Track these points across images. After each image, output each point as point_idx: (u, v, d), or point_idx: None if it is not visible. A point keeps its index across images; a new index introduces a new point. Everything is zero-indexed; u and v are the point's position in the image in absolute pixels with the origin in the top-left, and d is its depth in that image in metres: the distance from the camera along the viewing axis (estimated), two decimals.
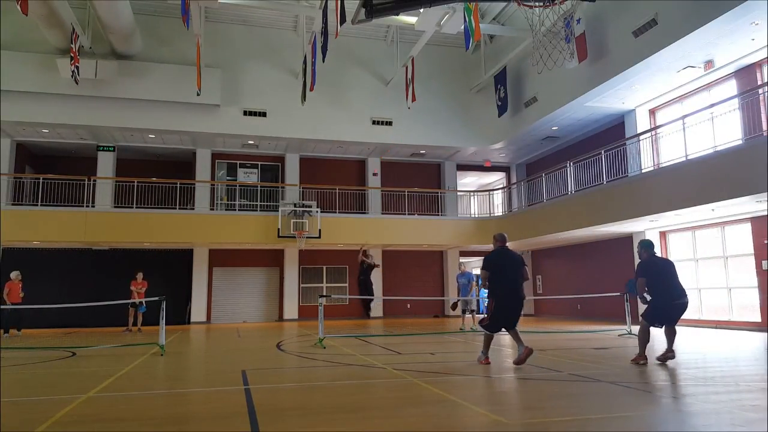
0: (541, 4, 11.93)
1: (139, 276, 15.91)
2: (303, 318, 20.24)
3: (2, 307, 12.99)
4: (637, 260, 15.80)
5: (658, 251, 15.87)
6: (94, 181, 18.21)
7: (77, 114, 17.13)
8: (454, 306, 14.93)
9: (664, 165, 14.52)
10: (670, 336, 7.50)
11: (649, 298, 7.49)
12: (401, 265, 21.41)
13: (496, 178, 24.95)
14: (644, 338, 7.43)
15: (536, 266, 22.12)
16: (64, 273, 18.37)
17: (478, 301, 15.09)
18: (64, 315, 16.01)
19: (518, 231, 18.76)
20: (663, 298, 7.43)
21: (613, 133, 17.22)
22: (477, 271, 27.91)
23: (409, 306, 20.79)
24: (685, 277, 15.47)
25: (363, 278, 13.87)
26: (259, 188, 20.25)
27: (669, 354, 7.41)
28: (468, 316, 14.97)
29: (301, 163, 21.13)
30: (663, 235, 16.06)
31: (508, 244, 7.66)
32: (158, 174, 19.55)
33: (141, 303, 15.23)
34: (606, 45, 14.28)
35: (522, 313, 7.57)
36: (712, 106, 12.79)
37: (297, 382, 6.82)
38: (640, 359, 7.30)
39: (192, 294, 19.49)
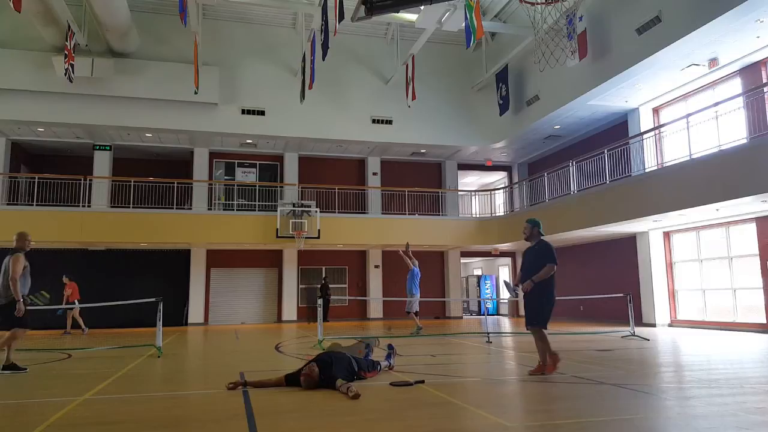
0: (543, 1, 11.83)
1: (65, 279, 15.65)
2: (302, 319, 20.09)
3: None
4: (640, 260, 16.00)
5: (661, 251, 16.02)
6: (90, 180, 18.09)
7: (73, 112, 16.96)
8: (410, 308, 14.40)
9: (667, 164, 14.38)
10: (547, 343, 6.60)
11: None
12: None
13: (498, 178, 24.83)
14: (547, 343, 6.60)
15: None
16: (59, 274, 18.08)
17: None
18: (60, 316, 15.86)
19: (520, 231, 18.55)
20: (554, 293, 6.94)
21: (616, 131, 17.09)
22: (484, 272, 27.73)
23: None
24: (689, 277, 15.43)
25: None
26: (257, 188, 20.09)
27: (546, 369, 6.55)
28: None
29: (300, 162, 20.98)
30: (667, 235, 15.92)
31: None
32: (155, 173, 19.36)
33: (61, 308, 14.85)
34: (609, 43, 14.14)
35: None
36: (716, 104, 12.66)
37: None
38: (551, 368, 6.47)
39: (189, 295, 19.31)
